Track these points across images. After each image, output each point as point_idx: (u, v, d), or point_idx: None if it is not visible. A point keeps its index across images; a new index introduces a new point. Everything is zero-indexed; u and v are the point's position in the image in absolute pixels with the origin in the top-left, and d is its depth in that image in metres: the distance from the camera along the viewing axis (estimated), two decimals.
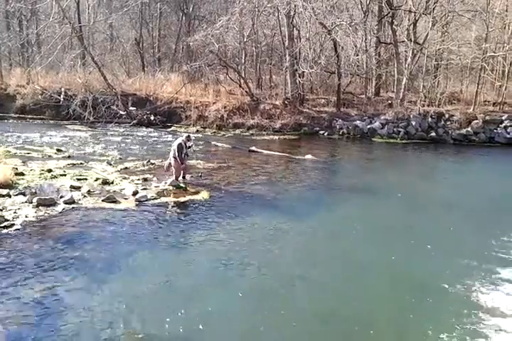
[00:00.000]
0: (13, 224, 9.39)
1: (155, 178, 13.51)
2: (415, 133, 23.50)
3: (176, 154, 12.96)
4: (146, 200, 11.46)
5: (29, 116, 26.38)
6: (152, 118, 25.91)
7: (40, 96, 26.82)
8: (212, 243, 9.16)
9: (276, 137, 23.34)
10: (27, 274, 7.50)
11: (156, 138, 21.50)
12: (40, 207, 10.42)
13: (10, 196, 11.05)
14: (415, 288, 7.62)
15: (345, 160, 19.29)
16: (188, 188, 12.83)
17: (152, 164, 15.44)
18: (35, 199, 10.61)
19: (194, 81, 28.47)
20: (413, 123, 23.55)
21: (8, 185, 11.78)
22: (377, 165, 18.37)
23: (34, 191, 11.48)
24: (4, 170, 12.33)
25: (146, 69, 32.54)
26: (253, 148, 19.09)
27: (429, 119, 23.65)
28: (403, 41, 26.18)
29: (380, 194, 13.35)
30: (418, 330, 6.47)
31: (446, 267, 8.40)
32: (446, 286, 7.67)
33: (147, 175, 13.75)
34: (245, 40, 28.26)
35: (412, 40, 24.76)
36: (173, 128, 25.00)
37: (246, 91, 26.63)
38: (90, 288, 7.24)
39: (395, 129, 23.65)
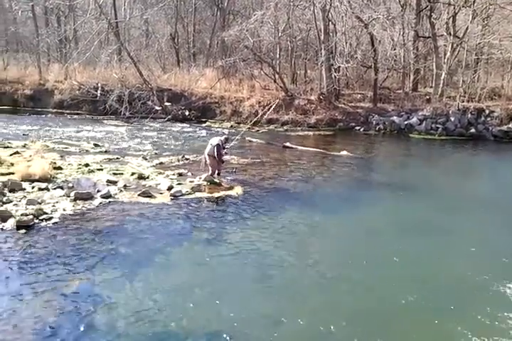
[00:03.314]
0: (51, 217, 9.53)
1: (190, 173, 13.54)
2: (454, 129, 22.91)
3: (215, 153, 12.89)
4: (181, 195, 11.47)
5: (67, 111, 26.97)
6: (187, 113, 26.07)
7: (77, 92, 27.35)
8: (248, 239, 9.08)
9: (311, 133, 23.12)
10: (64, 266, 7.58)
11: (190, 134, 21.57)
12: (77, 201, 10.55)
13: (48, 190, 11.22)
14: (452, 288, 7.41)
15: (382, 156, 18.95)
16: (222, 183, 12.81)
17: (187, 159, 15.49)
18: (72, 193, 10.74)
19: (229, 76, 28.45)
20: (452, 119, 22.95)
21: (47, 179, 11.98)
22: (414, 162, 17.98)
23: (72, 185, 11.62)
24: (43, 164, 12.54)
25: (181, 64, 32.72)
26: (287, 143, 18.93)
27: (469, 115, 23.00)
28: (442, 35, 25.57)
29: (417, 192, 13.02)
30: (452, 330, 6.27)
31: (485, 267, 8.12)
32: (484, 287, 7.42)
33: (182, 170, 13.78)
34: (280, 34, 28.10)
35: (452, 33, 24.11)
36: (207, 123, 25.06)
37: (281, 87, 26.48)
38: (124, 281, 7.25)
39: (433, 125, 23.13)
